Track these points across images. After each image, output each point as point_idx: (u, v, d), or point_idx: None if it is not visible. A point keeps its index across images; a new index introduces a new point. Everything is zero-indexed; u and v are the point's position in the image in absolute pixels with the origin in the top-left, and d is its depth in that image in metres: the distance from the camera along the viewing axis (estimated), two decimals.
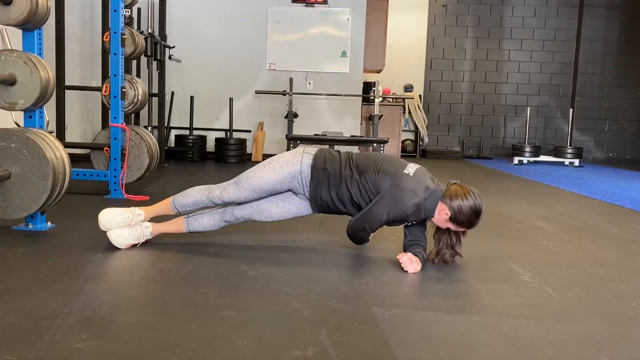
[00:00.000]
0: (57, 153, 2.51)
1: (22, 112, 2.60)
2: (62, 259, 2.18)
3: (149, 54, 5.52)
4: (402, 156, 8.16)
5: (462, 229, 2.24)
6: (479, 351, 1.48)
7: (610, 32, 9.43)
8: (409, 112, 9.30)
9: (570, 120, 8.63)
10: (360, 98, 7.44)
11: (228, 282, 1.97)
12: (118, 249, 2.32)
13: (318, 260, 2.34)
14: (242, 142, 6.85)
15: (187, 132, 6.98)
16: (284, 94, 6.97)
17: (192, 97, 6.95)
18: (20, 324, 1.51)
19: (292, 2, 7.15)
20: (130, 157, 3.85)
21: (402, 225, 2.34)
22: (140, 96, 4.01)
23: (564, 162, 8.30)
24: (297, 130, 6.87)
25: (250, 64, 7.26)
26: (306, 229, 2.89)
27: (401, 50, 9.07)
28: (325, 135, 6.43)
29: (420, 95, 9.37)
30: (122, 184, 3.68)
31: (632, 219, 3.74)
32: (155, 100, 6.20)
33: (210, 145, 7.07)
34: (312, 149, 2.38)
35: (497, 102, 9.58)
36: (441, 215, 2.20)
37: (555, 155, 8.44)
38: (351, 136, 6.82)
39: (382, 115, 7.05)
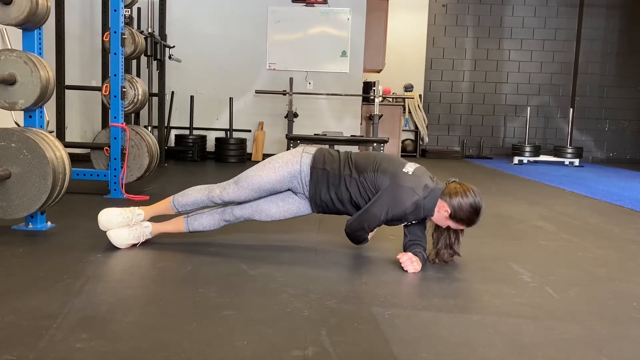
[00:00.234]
0: (57, 153, 2.51)
1: (22, 112, 2.60)
2: (62, 258, 2.18)
3: (149, 53, 5.52)
4: (402, 156, 8.12)
5: (462, 227, 2.23)
6: (479, 351, 1.47)
7: (610, 32, 9.43)
8: (409, 112, 9.30)
9: (570, 120, 8.63)
10: (360, 98, 7.44)
11: (228, 282, 1.97)
12: (118, 248, 2.32)
13: (318, 260, 2.34)
14: (242, 142, 6.85)
15: (187, 131, 6.98)
16: (284, 94, 6.97)
17: (192, 97, 6.95)
18: (20, 324, 1.51)
19: (292, 1, 7.14)
20: (130, 156, 3.85)
21: (402, 225, 2.34)
22: (140, 96, 4.01)
23: (564, 161, 8.30)
24: (297, 130, 6.87)
25: (250, 64, 7.26)
26: (306, 229, 2.89)
27: (401, 50, 9.08)
28: (325, 135, 6.43)
29: (420, 95, 9.37)
30: (122, 184, 3.68)
31: (632, 218, 3.74)
32: (155, 100, 6.20)
33: (210, 145, 7.07)
34: (312, 149, 2.38)
35: (497, 102, 9.58)
36: (441, 213, 2.19)
37: (555, 155, 8.45)
38: (351, 136, 6.82)
39: (382, 115, 7.05)
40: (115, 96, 3.66)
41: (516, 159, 8.31)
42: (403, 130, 8.87)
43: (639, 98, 9.51)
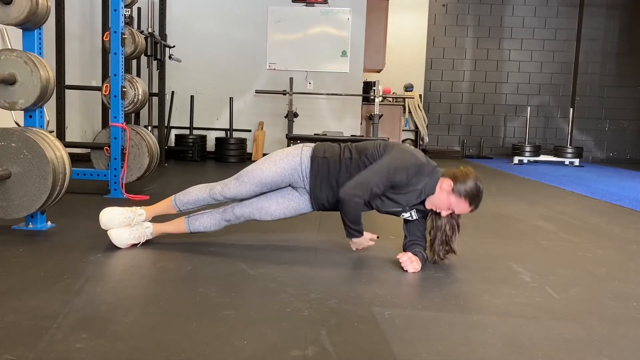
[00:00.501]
0: (57, 152, 2.51)
1: (22, 112, 2.60)
2: (62, 258, 2.18)
3: (149, 53, 5.52)
4: None
5: (462, 207, 2.15)
6: (479, 351, 1.48)
7: (610, 32, 9.43)
8: (409, 112, 9.30)
9: (571, 119, 8.63)
10: (361, 98, 7.44)
11: (228, 281, 1.97)
12: (118, 248, 2.32)
13: (318, 260, 2.34)
14: (242, 142, 6.85)
15: (187, 131, 6.98)
16: (284, 94, 6.97)
17: (192, 97, 6.95)
18: (20, 323, 1.51)
19: (293, 1, 7.14)
20: (131, 156, 3.85)
21: (402, 225, 2.34)
22: (140, 96, 4.01)
23: (564, 161, 8.30)
24: (297, 130, 6.88)
25: (251, 64, 7.26)
26: (306, 229, 2.89)
27: (401, 50, 9.07)
28: (326, 134, 6.44)
29: (420, 95, 9.37)
30: (122, 184, 3.68)
31: (632, 218, 3.74)
32: (155, 99, 6.20)
33: (211, 145, 7.07)
34: (312, 144, 2.39)
35: (497, 102, 9.58)
36: (442, 189, 2.16)
37: (556, 155, 8.45)
38: (351, 136, 6.82)
39: (382, 115, 7.05)
40: (115, 96, 3.66)
41: (516, 159, 8.31)
42: (403, 130, 8.87)
43: (639, 98, 9.50)
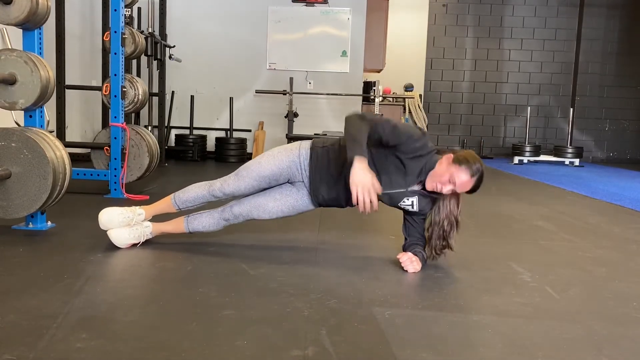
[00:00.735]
0: (58, 152, 2.51)
1: (23, 112, 2.60)
2: (62, 258, 2.18)
3: (149, 53, 5.52)
4: None
5: (463, 178, 2.09)
6: (479, 351, 1.48)
7: (610, 32, 9.43)
8: (409, 112, 9.30)
9: (571, 119, 8.63)
10: (361, 97, 7.44)
11: (228, 281, 1.97)
12: (118, 248, 2.32)
13: (318, 260, 2.33)
14: (242, 142, 6.85)
15: (187, 131, 6.98)
16: (284, 94, 6.97)
17: (192, 97, 6.95)
18: (20, 323, 1.51)
19: (293, 1, 7.14)
20: (131, 156, 3.85)
21: (402, 227, 2.34)
22: (140, 96, 4.01)
23: (564, 161, 8.29)
24: (298, 130, 6.87)
25: (251, 64, 7.26)
26: (306, 228, 2.89)
27: (401, 49, 9.07)
28: (326, 134, 6.43)
29: (420, 95, 9.37)
30: (122, 184, 3.68)
31: (632, 218, 3.74)
32: (155, 99, 6.20)
33: (211, 145, 7.07)
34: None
35: (497, 102, 9.58)
36: (442, 162, 2.14)
37: (556, 155, 8.44)
38: None
39: (382, 115, 7.04)
40: (115, 96, 3.66)
41: (516, 159, 8.31)
42: None
43: (639, 98, 9.50)
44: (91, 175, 3.71)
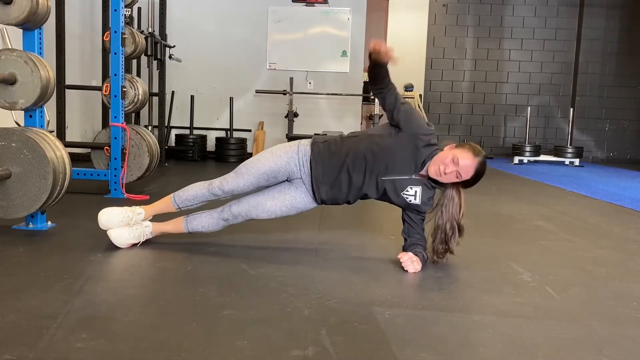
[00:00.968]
0: (58, 152, 2.51)
1: (23, 112, 2.60)
2: (62, 258, 2.18)
3: (149, 53, 5.52)
4: None
5: (466, 159, 2.11)
6: (479, 351, 1.48)
7: (610, 32, 9.42)
8: None
9: (571, 119, 8.62)
10: (361, 97, 7.44)
11: (228, 281, 1.97)
12: (118, 248, 2.32)
13: (318, 260, 2.33)
14: (242, 142, 6.85)
15: (187, 131, 6.98)
16: (285, 94, 6.97)
17: (192, 97, 6.95)
18: (20, 323, 1.51)
19: (293, 1, 7.14)
20: (131, 156, 3.85)
21: (401, 228, 2.34)
22: (140, 95, 4.01)
23: (564, 161, 8.29)
24: (298, 130, 6.88)
25: (251, 63, 7.26)
26: (306, 228, 2.89)
27: (401, 49, 9.00)
28: (326, 134, 6.42)
29: (420, 95, 9.35)
30: (122, 184, 3.68)
31: (632, 218, 3.74)
32: (155, 99, 6.20)
33: (211, 145, 7.07)
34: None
35: (497, 102, 9.57)
36: (445, 149, 2.20)
37: (556, 155, 8.44)
38: None
39: (382, 115, 7.05)
40: (115, 96, 3.66)
41: (516, 159, 8.31)
42: None
43: (639, 98, 9.50)
44: (91, 175, 3.71)
